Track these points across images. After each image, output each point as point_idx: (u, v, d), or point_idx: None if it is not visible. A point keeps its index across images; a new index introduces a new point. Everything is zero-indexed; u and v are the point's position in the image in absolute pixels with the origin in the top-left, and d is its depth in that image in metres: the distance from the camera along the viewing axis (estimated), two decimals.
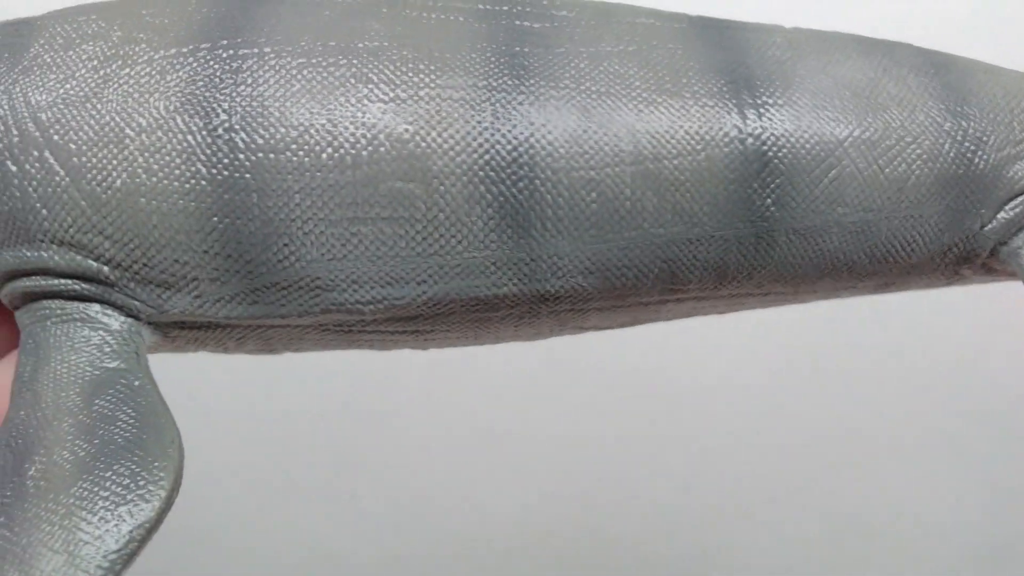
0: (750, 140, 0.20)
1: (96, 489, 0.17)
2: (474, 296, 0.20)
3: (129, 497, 0.17)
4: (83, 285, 0.20)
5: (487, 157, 0.19)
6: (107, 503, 0.17)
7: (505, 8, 0.21)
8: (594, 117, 0.19)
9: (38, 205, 0.19)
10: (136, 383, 0.19)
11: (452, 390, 0.48)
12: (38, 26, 0.20)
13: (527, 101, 0.19)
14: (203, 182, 0.19)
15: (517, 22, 0.20)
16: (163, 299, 0.20)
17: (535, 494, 0.49)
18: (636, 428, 0.48)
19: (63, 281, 0.20)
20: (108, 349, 0.19)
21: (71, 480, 0.17)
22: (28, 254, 0.19)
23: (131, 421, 0.18)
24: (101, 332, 0.20)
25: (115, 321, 0.20)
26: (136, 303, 0.20)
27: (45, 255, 0.19)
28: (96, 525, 0.17)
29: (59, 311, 0.20)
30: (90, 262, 0.19)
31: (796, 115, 0.20)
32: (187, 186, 0.19)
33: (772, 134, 0.20)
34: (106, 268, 0.19)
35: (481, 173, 0.19)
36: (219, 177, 0.19)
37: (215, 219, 0.19)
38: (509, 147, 0.19)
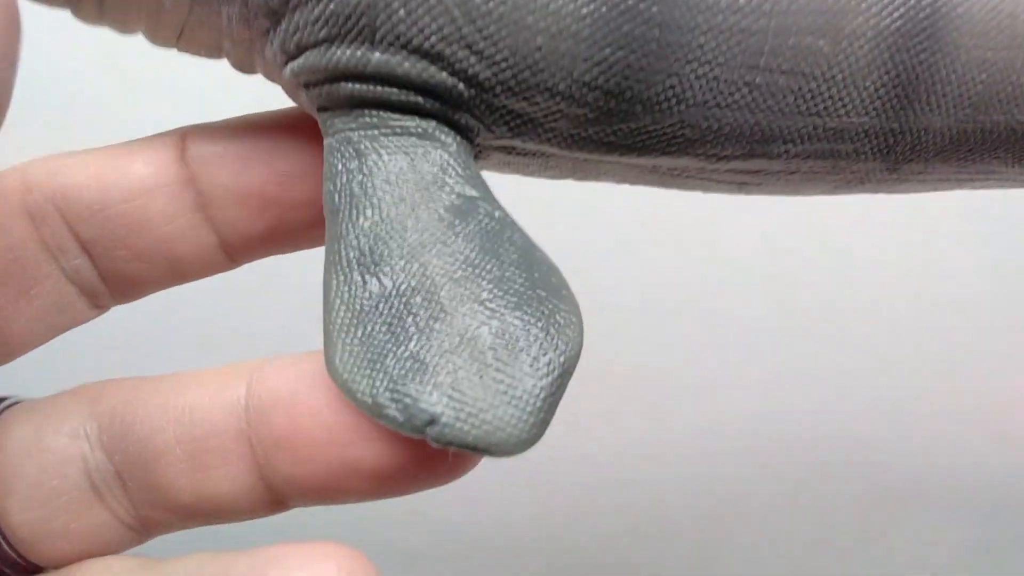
0: None
1: (516, 297, 0.16)
2: (831, 161, 0.20)
3: (553, 317, 0.16)
4: (426, 99, 0.18)
5: (900, 22, 0.19)
6: (534, 309, 0.16)
7: None
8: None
9: (395, 4, 0.17)
10: (497, 214, 0.17)
11: None
12: None
13: None
14: (604, 8, 0.17)
15: None
16: (513, 127, 0.18)
17: (535, 492, 0.49)
18: (636, 426, 0.49)
19: (406, 92, 0.18)
20: (453, 172, 0.17)
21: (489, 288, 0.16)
22: (371, 56, 0.17)
23: (514, 249, 0.17)
24: (440, 151, 0.18)
25: (452, 140, 0.18)
26: (480, 125, 0.18)
27: (393, 60, 0.17)
28: (533, 337, 0.16)
29: (392, 122, 0.18)
30: (445, 75, 0.17)
31: None
32: (585, 10, 0.17)
33: None
34: (461, 85, 0.17)
35: (891, 39, 0.19)
36: (623, 5, 0.17)
37: (607, 50, 0.17)
38: (923, 14, 0.19)
